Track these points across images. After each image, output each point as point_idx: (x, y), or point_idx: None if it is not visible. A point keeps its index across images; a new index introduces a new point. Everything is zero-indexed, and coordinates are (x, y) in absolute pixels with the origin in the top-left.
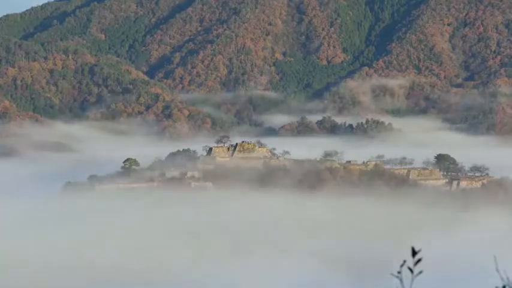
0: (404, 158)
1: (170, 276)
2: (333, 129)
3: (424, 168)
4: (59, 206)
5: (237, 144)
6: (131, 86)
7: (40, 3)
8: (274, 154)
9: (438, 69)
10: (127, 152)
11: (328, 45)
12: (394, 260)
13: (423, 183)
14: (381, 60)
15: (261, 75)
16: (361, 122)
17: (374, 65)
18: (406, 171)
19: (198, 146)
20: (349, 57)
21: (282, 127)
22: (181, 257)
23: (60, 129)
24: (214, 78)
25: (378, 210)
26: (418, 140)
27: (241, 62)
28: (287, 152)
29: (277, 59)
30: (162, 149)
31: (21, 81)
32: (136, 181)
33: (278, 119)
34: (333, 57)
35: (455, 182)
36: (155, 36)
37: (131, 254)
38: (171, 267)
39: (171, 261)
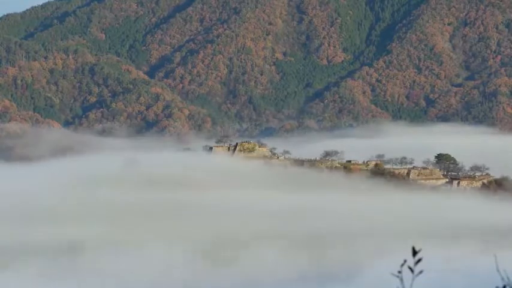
0: (404, 158)
1: None
2: (333, 129)
3: (424, 168)
4: None
5: (237, 143)
6: (131, 86)
7: (40, 3)
8: (274, 154)
9: (438, 69)
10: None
11: (329, 45)
12: None
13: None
14: (381, 59)
15: (261, 74)
16: (361, 122)
17: (374, 64)
18: (406, 171)
19: (198, 146)
20: (349, 56)
21: (282, 127)
22: None
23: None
24: (215, 78)
25: None
26: (418, 139)
27: (241, 62)
28: (287, 152)
29: (277, 58)
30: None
31: (21, 80)
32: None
33: (278, 119)
34: (333, 57)
35: (455, 182)
36: (155, 35)
37: None
38: None
39: None
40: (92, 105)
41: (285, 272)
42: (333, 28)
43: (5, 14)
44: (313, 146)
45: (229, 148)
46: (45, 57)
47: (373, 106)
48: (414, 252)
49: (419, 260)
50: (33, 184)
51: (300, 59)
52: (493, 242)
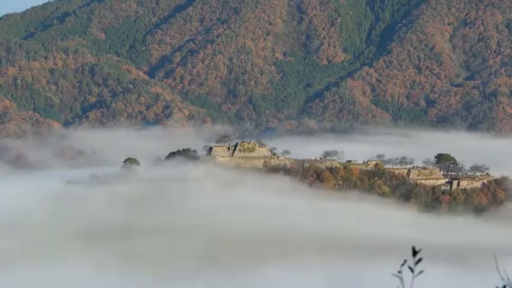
0: (404, 158)
1: None
2: (333, 129)
3: (425, 168)
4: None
5: (237, 143)
6: (131, 86)
7: (40, 3)
8: (274, 154)
9: (438, 69)
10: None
11: (329, 45)
12: None
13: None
14: (381, 59)
15: (261, 74)
16: (361, 122)
17: (374, 64)
18: (406, 170)
19: (198, 145)
20: (349, 56)
21: (282, 127)
22: None
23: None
24: (215, 78)
25: None
26: (419, 139)
27: (241, 62)
28: (287, 152)
29: (277, 58)
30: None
31: (21, 80)
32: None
33: (278, 119)
34: (333, 57)
35: (455, 182)
36: (155, 35)
37: None
38: None
39: None
40: (92, 105)
41: None
42: (333, 28)
43: (5, 14)
44: (313, 146)
45: (229, 148)
46: (45, 57)
47: (373, 106)
48: (414, 252)
49: (419, 260)
50: None
51: (300, 59)
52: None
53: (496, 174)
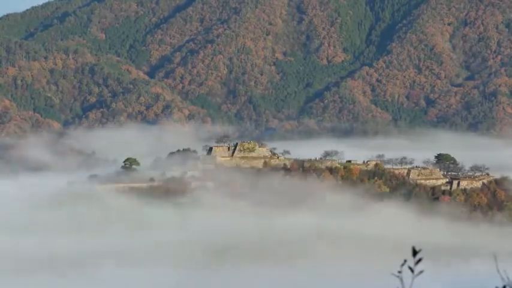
0: (404, 158)
1: None
2: (333, 129)
3: (425, 168)
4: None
5: (237, 143)
6: (131, 86)
7: (40, 3)
8: (274, 154)
9: (438, 69)
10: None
11: (329, 45)
12: None
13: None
14: (381, 59)
15: (261, 74)
16: (361, 122)
17: (374, 64)
18: (406, 170)
19: (198, 145)
20: (349, 56)
21: (282, 127)
22: None
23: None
24: (215, 78)
25: None
26: (419, 139)
27: (241, 62)
28: (287, 152)
29: (277, 58)
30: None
31: (21, 80)
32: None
33: (278, 119)
34: (333, 57)
35: (455, 182)
36: (155, 35)
37: None
38: None
39: None
40: (92, 105)
41: None
42: (333, 28)
43: (5, 14)
44: (313, 146)
45: (229, 148)
46: (45, 57)
47: (373, 106)
48: (414, 252)
49: (419, 260)
50: None
51: (300, 59)
52: None
53: (496, 174)
